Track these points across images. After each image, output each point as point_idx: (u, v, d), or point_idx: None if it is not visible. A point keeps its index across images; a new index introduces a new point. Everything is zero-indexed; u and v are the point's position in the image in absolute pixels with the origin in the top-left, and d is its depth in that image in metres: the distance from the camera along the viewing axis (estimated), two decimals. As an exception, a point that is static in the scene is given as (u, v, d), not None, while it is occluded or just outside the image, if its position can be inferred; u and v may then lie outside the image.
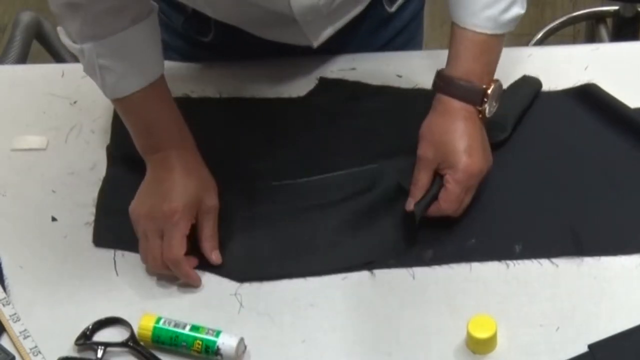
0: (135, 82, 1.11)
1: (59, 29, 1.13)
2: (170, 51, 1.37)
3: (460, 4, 1.14)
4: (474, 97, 1.13)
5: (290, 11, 1.20)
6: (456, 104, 1.13)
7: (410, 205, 1.13)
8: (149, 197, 1.12)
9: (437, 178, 1.13)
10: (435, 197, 1.13)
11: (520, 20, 1.17)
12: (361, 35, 1.34)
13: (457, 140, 1.12)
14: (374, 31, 1.36)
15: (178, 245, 1.09)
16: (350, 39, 1.34)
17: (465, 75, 1.13)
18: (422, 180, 1.13)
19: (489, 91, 1.13)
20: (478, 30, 1.13)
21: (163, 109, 1.15)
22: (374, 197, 1.16)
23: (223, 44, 1.33)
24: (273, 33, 1.28)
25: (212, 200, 1.13)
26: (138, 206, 1.12)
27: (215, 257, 1.12)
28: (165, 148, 1.13)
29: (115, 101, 1.14)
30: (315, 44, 1.29)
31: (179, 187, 1.11)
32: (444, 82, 1.15)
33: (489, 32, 1.13)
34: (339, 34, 1.30)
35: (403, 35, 1.41)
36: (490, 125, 1.17)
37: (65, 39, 1.13)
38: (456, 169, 1.11)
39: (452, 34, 1.15)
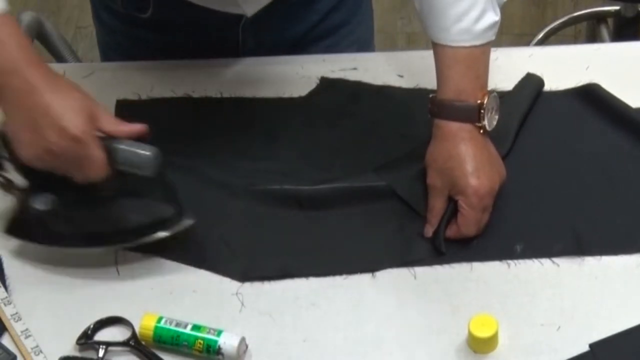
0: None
1: None
2: (115, 35, 1.38)
3: (431, 22, 1.12)
4: (469, 115, 1.12)
5: None
6: (454, 127, 1.12)
7: (428, 232, 1.13)
8: (30, 129, 1.01)
9: (451, 203, 1.13)
10: (450, 217, 1.12)
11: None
12: (294, 7, 1.33)
13: (462, 165, 1.11)
14: (308, 4, 1.36)
15: (99, 169, 1.03)
16: (283, 10, 1.33)
17: (456, 95, 1.12)
18: (436, 207, 1.13)
19: (484, 105, 1.11)
20: (455, 45, 1.11)
21: (16, 29, 1.05)
22: (381, 206, 1.16)
23: (164, 20, 1.32)
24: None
25: (101, 112, 1.05)
26: (17, 140, 1.03)
27: (139, 126, 1.06)
28: (28, 65, 1.02)
29: None
30: (250, 13, 1.29)
31: (66, 108, 1.02)
32: (437, 107, 1.13)
33: (466, 44, 1.11)
34: (272, 4, 1.29)
35: (341, 11, 1.39)
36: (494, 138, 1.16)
37: None
38: (466, 194, 1.10)
39: (434, 55, 1.14)
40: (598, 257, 1.12)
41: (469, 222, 1.11)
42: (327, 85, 1.33)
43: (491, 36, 1.13)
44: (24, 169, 1.07)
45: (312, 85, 1.33)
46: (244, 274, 1.12)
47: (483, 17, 1.11)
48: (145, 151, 1.04)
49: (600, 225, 1.14)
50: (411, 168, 1.17)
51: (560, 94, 1.29)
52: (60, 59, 1.89)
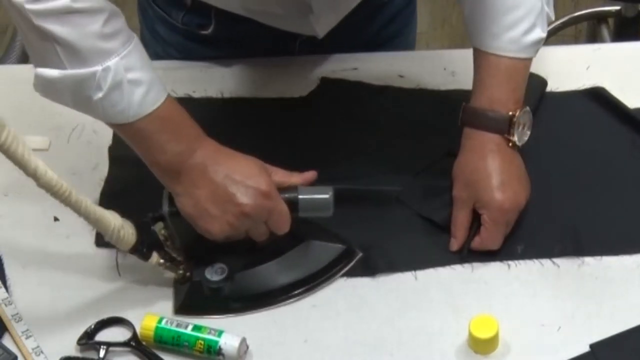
0: (162, 88, 1.03)
1: (39, 72, 1.00)
2: (168, 47, 1.37)
3: (480, 28, 1.12)
4: (500, 125, 1.11)
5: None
6: (483, 137, 1.11)
7: (453, 246, 1.12)
8: (219, 201, 1.03)
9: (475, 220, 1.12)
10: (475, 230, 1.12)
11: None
12: (356, 22, 1.34)
13: (488, 178, 1.10)
14: (368, 18, 1.36)
15: (287, 221, 1.06)
16: (346, 27, 1.33)
17: (489, 104, 1.11)
18: (460, 219, 1.12)
19: (515, 118, 1.11)
20: (501, 53, 1.11)
21: (181, 108, 1.06)
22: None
23: (223, 36, 1.32)
24: (278, 20, 1.28)
25: (270, 167, 1.08)
26: (203, 218, 1.04)
27: (311, 174, 1.09)
28: (202, 143, 1.05)
29: (137, 122, 1.01)
30: (321, 34, 1.29)
31: (247, 170, 1.05)
32: (468, 114, 1.13)
33: (511, 54, 1.11)
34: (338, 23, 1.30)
35: (396, 22, 1.41)
36: None
37: (50, 73, 0.99)
38: (490, 208, 1.10)
39: (475, 62, 1.14)
40: (598, 258, 1.12)
41: (492, 236, 1.11)
42: (328, 85, 1.33)
43: (534, 52, 1.13)
44: (189, 246, 1.08)
45: (312, 85, 1.33)
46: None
47: (532, 30, 1.11)
48: (323, 194, 1.07)
49: (601, 226, 1.14)
50: (432, 186, 1.17)
51: (561, 95, 1.29)
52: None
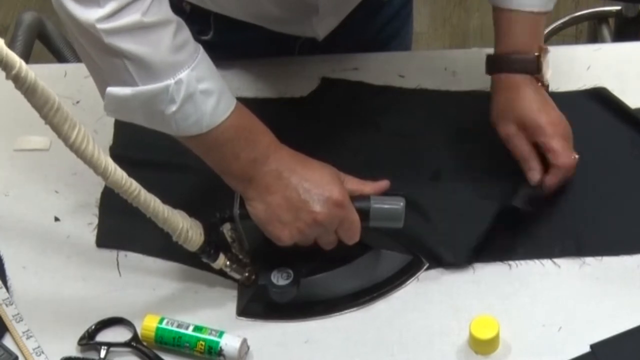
0: (231, 95, 1.02)
1: (109, 92, 0.98)
2: None
3: None
4: (529, 66, 1.15)
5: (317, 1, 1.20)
6: (515, 78, 1.15)
7: (535, 176, 1.12)
8: (291, 208, 1.03)
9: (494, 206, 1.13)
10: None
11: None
12: (355, 24, 1.34)
13: (530, 106, 1.13)
14: (367, 19, 1.36)
15: (358, 230, 1.05)
16: (345, 29, 1.33)
17: (514, 49, 1.15)
18: (525, 150, 1.13)
19: (541, 58, 1.14)
20: (521, 8, 1.14)
21: (251, 113, 1.05)
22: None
23: (223, 41, 1.32)
24: (280, 23, 1.28)
25: (343, 175, 1.08)
26: (274, 224, 1.03)
27: (384, 183, 1.08)
28: (276, 149, 1.05)
29: (211, 132, 1.00)
30: (322, 35, 1.29)
31: (321, 177, 1.04)
32: (497, 61, 1.17)
33: (529, 9, 1.14)
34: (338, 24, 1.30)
35: (394, 23, 1.41)
36: None
37: (122, 91, 0.97)
38: (543, 128, 1.12)
39: (495, 19, 1.17)
40: (599, 258, 1.12)
41: (558, 153, 1.11)
42: (328, 85, 1.33)
43: (551, 6, 1.17)
44: (256, 249, 1.08)
45: (313, 85, 1.33)
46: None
47: None
48: (396, 204, 1.05)
49: (601, 226, 1.14)
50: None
51: (562, 95, 1.29)
52: (61, 58, 1.89)
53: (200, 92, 0.98)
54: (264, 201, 1.03)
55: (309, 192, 1.02)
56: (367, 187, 1.07)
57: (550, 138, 1.11)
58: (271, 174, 1.03)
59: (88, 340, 1.06)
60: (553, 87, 1.30)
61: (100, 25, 0.94)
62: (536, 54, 1.15)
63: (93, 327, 1.07)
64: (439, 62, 1.34)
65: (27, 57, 1.82)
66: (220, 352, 1.03)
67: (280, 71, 1.35)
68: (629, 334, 1.04)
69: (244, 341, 1.04)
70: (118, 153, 1.25)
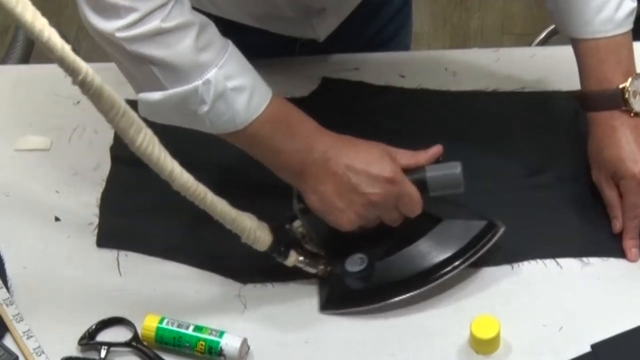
0: (266, 89, 1.02)
1: (141, 97, 0.99)
2: None
3: (571, 18, 1.12)
4: (614, 101, 1.11)
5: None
6: (603, 116, 1.12)
7: (616, 226, 1.12)
8: (343, 193, 1.02)
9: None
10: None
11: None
12: (355, 24, 1.34)
13: (618, 153, 1.11)
14: (367, 20, 1.36)
15: (418, 203, 1.03)
16: (345, 29, 1.33)
17: (597, 85, 1.12)
18: (612, 197, 1.12)
19: (627, 88, 1.11)
20: (598, 36, 1.11)
21: (291, 104, 1.04)
22: None
23: None
24: (281, 25, 1.28)
25: (394, 150, 1.06)
26: (331, 212, 1.03)
27: (436, 148, 1.06)
28: (318, 137, 1.04)
29: (248, 128, 1.00)
30: (323, 37, 1.28)
31: (368, 157, 1.03)
32: (581, 101, 1.15)
33: (609, 34, 1.11)
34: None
35: (393, 23, 1.41)
36: None
37: (152, 96, 0.98)
38: (627, 179, 1.10)
39: (575, 50, 1.14)
40: (600, 258, 1.11)
41: (629, 207, 1.11)
42: (329, 85, 1.33)
43: (630, 23, 1.13)
44: (326, 240, 1.07)
45: (313, 85, 1.33)
46: (247, 275, 1.12)
47: (622, 4, 1.11)
48: (452, 170, 1.04)
49: (603, 227, 1.14)
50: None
51: (564, 95, 1.29)
52: (62, 59, 1.89)
53: (230, 89, 0.98)
54: (316, 192, 1.03)
55: (359, 174, 1.02)
56: (421, 157, 1.06)
57: (632, 193, 1.10)
58: (318, 162, 1.02)
59: (88, 340, 1.06)
60: (554, 87, 1.30)
61: (119, 34, 0.94)
62: (620, 86, 1.11)
63: (93, 327, 1.07)
64: (439, 62, 1.34)
65: (27, 57, 1.82)
66: (220, 352, 1.03)
67: (280, 72, 1.35)
68: (630, 334, 1.04)
69: (245, 341, 1.04)
70: (119, 153, 1.25)
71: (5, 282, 1.12)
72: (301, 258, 1.06)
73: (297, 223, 1.07)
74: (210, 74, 0.97)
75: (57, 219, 1.19)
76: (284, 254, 1.04)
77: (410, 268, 1.07)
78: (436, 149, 1.06)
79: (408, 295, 1.07)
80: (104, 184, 1.23)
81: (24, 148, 1.28)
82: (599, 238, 1.13)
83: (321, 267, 1.08)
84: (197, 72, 0.97)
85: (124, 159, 1.24)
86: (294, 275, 1.11)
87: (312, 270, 1.07)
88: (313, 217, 1.05)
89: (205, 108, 0.98)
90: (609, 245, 1.12)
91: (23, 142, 1.28)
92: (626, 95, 1.11)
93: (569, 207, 1.16)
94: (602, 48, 1.12)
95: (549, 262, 1.11)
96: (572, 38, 1.14)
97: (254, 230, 1.01)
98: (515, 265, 1.11)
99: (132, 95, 1.29)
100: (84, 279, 1.13)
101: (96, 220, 1.19)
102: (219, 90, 0.97)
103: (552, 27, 2.45)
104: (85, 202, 1.20)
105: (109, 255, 1.15)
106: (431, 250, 1.07)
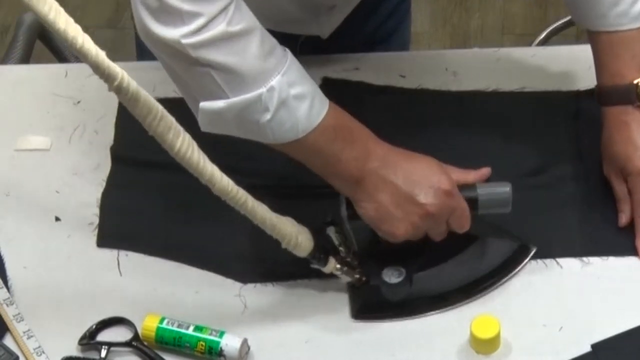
0: (323, 96, 1.01)
1: (203, 107, 0.97)
2: None
3: (587, 11, 1.12)
4: (627, 96, 1.12)
5: None
6: (615, 111, 1.13)
7: (622, 220, 1.13)
8: (402, 203, 1.02)
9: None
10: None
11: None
12: (356, 20, 1.33)
13: (626, 148, 1.11)
14: (367, 15, 1.36)
15: (468, 219, 1.04)
16: (346, 25, 1.33)
17: (611, 80, 1.12)
18: (621, 191, 1.13)
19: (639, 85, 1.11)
20: (612, 29, 1.11)
21: (344, 111, 1.04)
22: None
23: None
24: (285, 23, 1.27)
25: (446, 166, 1.06)
26: (387, 221, 1.02)
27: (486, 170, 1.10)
28: (375, 145, 1.03)
29: (308, 136, 0.99)
30: (327, 33, 1.28)
31: (427, 169, 1.03)
32: (597, 95, 1.15)
33: (623, 28, 1.11)
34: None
35: (393, 18, 1.40)
36: None
37: (215, 105, 0.96)
38: (634, 175, 1.11)
39: (591, 43, 1.14)
40: (601, 258, 1.11)
41: (637, 204, 1.11)
42: (329, 85, 1.33)
43: None
44: (364, 249, 1.07)
45: (314, 85, 1.33)
46: (247, 275, 1.12)
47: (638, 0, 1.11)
48: (503, 189, 1.06)
49: (604, 226, 1.14)
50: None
51: (564, 95, 1.29)
52: (62, 59, 1.89)
53: (293, 97, 0.96)
54: (375, 200, 1.02)
55: (418, 185, 1.02)
56: (471, 175, 1.08)
57: (634, 189, 1.11)
58: (376, 172, 1.02)
59: (89, 340, 1.06)
60: (554, 87, 1.30)
61: (185, 41, 0.93)
62: (635, 81, 1.10)
63: (94, 326, 1.07)
64: (439, 62, 1.34)
65: (28, 57, 1.82)
66: (220, 352, 1.03)
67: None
68: (630, 333, 1.04)
69: (245, 341, 1.04)
70: (119, 153, 1.25)
71: (5, 282, 1.12)
72: (339, 265, 1.05)
73: (332, 230, 1.05)
74: (274, 81, 0.95)
75: (57, 219, 1.19)
76: (323, 260, 1.03)
77: (444, 284, 1.09)
78: (486, 170, 1.09)
79: (444, 310, 1.08)
80: (104, 184, 1.22)
81: (24, 148, 1.28)
82: (599, 238, 1.13)
83: (357, 275, 1.07)
84: (261, 79, 0.95)
85: (124, 159, 1.24)
86: (294, 275, 1.11)
87: (347, 279, 1.07)
88: (359, 225, 1.04)
89: (268, 116, 0.96)
90: (610, 244, 1.12)
91: (23, 142, 1.28)
92: (639, 91, 1.11)
93: (569, 207, 1.16)
94: (616, 42, 1.12)
95: (549, 262, 1.11)
96: (588, 31, 1.14)
97: (296, 236, 1.00)
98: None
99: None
100: (84, 279, 1.13)
101: (96, 220, 1.19)
102: (282, 97, 0.96)
103: (552, 27, 2.45)
104: (85, 202, 1.20)
105: (109, 255, 1.15)
106: (465, 269, 1.09)
